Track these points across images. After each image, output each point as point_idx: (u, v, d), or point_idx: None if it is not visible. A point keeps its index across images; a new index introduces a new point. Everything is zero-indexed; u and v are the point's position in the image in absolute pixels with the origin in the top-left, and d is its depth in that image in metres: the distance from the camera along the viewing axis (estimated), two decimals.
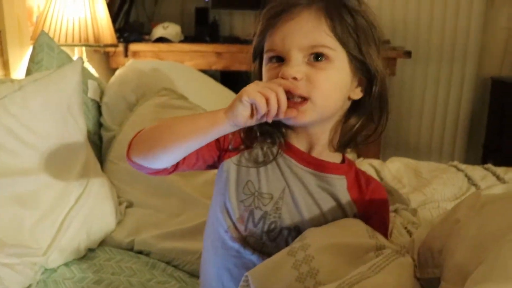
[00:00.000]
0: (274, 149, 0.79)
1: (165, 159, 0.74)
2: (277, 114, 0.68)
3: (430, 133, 2.93)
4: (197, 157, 0.79)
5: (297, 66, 0.71)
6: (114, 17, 2.46)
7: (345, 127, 0.78)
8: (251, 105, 0.68)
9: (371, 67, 0.74)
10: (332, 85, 0.72)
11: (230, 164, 0.80)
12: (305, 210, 0.77)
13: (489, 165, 1.55)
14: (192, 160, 0.79)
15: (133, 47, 2.39)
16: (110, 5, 2.31)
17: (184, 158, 0.77)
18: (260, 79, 0.79)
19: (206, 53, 2.40)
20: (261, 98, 0.66)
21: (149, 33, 2.53)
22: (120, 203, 1.25)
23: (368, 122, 0.78)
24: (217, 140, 0.80)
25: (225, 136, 0.80)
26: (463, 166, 1.52)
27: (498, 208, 0.63)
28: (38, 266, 1.00)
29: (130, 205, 1.27)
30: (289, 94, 0.70)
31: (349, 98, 0.77)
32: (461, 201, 0.71)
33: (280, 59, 0.74)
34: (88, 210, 1.13)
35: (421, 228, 0.78)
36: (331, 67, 0.72)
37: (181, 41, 2.51)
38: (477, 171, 1.49)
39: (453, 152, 2.90)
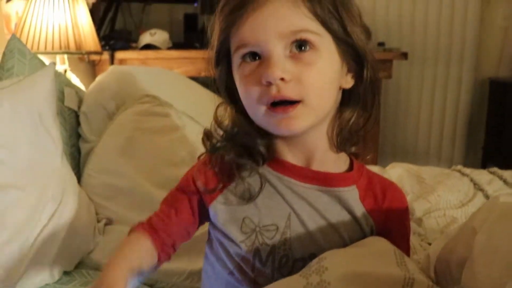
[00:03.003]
0: (257, 179, 0.68)
1: None
2: None
3: (428, 137, 2.87)
4: (186, 230, 0.72)
5: (282, 63, 0.60)
6: (98, 24, 2.40)
7: (341, 122, 0.67)
8: None
9: (360, 49, 0.64)
10: (325, 80, 0.62)
11: (217, 206, 0.69)
12: (318, 234, 0.66)
13: (495, 169, 1.46)
14: (183, 233, 0.72)
15: (120, 55, 2.32)
16: (93, 12, 2.23)
17: (174, 240, 0.71)
18: (229, 85, 0.68)
19: (195, 60, 2.31)
20: None
21: (136, 40, 2.45)
22: (98, 221, 1.15)
23: (363, 111, 0.68)
24: (187, 192, 0.72)
25: (194, 182, 0.71)
26: (467, 171, 1.43)
27: None
28: None
29: (109, 222, 1.17)
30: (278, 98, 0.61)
31: (340, 88, 0.66)
32: (478, 209, 0.62)
33: (255, 57, 0.62)
34: (62, 229, 1.02)
35: (437, 240, 0.68)
36: (319, 58, 0.61)
37: (169, 48, 2.43)
38: (482, 175, 1.41)
39: (452, 156, 2.83)
